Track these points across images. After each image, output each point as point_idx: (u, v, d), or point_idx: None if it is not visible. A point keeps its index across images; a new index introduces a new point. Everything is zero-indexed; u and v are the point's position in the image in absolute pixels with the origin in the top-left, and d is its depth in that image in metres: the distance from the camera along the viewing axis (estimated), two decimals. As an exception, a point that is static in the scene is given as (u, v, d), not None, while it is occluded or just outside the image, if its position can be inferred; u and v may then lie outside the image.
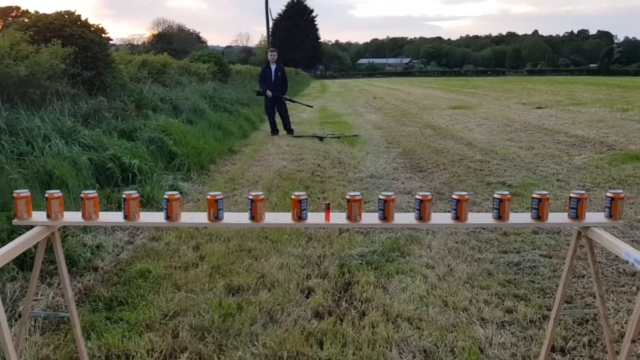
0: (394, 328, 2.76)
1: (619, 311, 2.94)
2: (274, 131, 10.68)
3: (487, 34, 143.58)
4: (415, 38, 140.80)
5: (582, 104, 16.69)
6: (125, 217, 2.06)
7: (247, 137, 10.43)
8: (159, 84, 10.09)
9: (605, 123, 11.56)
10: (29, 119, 5.09)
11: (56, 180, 4.37)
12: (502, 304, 3.03)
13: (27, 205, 2.05)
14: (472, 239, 4.12)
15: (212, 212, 2.01)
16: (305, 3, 66.54)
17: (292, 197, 2.03)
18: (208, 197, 2.03)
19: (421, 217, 2.00)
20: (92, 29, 7.32)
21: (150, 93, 8.73)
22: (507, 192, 2.07)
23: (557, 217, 2.11)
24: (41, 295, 3.05)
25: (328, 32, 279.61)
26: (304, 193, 2.06)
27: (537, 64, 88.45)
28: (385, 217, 2.01)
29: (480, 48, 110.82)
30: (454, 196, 2.03)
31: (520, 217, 2.21)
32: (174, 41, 36.05)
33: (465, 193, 2.04)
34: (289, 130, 10.72)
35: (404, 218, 2.18)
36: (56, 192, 2.07)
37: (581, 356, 2.53)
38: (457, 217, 2.01)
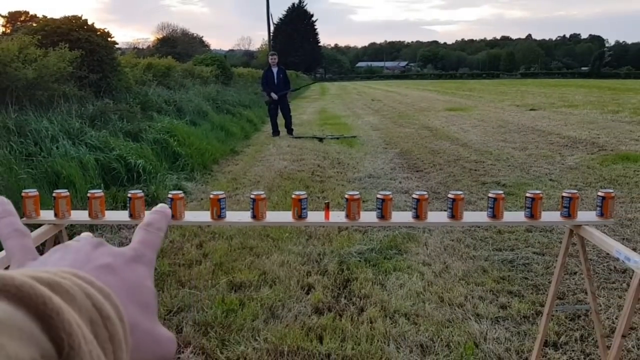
0: (391, 323, 2.82)
1: (610, 307, 3.00)
2: (275, 132, 10.73)
3: (482, 38, 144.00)
4: (412, 42, 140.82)
5: (574, 106, 16.73)
6: (131, 215, 2.08)
7: (248, 138, 10.47)
8: (164, 86, 10.14)
9: (597, 124, 11.61)
10: (37, 121, 5.13)
11: (63, 180, 4.42)
12: (497, 300, 3.09)
13: (35, 205, 2.07)
14: (467, 237, 4.17)
15: (215, 210, 2.04)
16: (305, 8, 66.55)
17: (293, 196, 2.06)
18: (211, 196, 2.06)
19: (418, 216, 2.04)
20: (99, 33, 7.38)
21: (155, 95, 8.78)
22: (501, 192, 2.10)
23: (550, 216, 2.14)
24: (49, 292, 3.10)
25: (328, 36, 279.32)
26: (304, 192, 2.10)
27: (531, 67, 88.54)
28: (383, 215, 2.05)
29: (475, 52, 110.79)
30: (449, 195, 2.07)
31: (514, 216, 2.25)
32: (178, 45, 36.09)
33: (460, 192, 2.08)
34: (289, 131, 10.80)
35: (401, 217, 2.22)
36: (63, 192, 2.10)
37: (573, 351, 2.58)
38: (453, 216, 2.05)
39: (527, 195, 2.07)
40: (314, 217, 2.14)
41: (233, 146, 8.91)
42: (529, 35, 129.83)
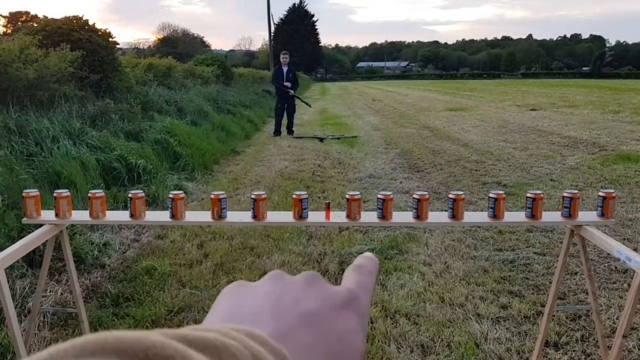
0: (392, 323, 2.82)
1: (611, 307, 3.00)
2: (277, 132, 10.75)
3: (483, 38, 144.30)
4: (412, 42, 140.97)
5: (575, 106, 16.72)
6: (132, 215, 2.09)
7: (249, 139, 10.48)
8: (164, 86, 10.15)
9: (598, 124, 11.61)
10: (38, 121, 5.14)
11: (64, 180, 4.42)
12: (497, 300, 3.09)
13: (36, 205, 2.09)
14: (468, 237, 4.17)
15: (215, 211, 2.05)
16: (306, 8, 66.59)
17: (294, 196, 2.07)
18: (212, 196, 2.07)
19: (419, 216, 2.05)
20: (100, 33, 7.39)
21: (155, 95, 8.79)
22: (502, 192, 2.11)
23: (551, 216, 2.15)
24: (50, 292, 3.10)
25: (328, 36, 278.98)
26: (305, 192, 2.11)
27: (531, 67, 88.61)
28: (383, 215, 2.05)
29: (476, 52, 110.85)
30: (450, 196, 2.07)
31: (514, 216, 2.25)
32: (179, 45, 36.18)
33: (461, 192, 2.09)
34: (290, 131, 10.82)
35: (402, 217, 2.23)
36: (64, 192, 2.11)
37: (574, 351, 2.59)
38: (454, 216, 2.05)
39: (528, 195, 2.08)
40: (315, 217, 2.15)
41: (234, 146, 8.91)
42: (530, 35, 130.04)
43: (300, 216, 2.05)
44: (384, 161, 7.66)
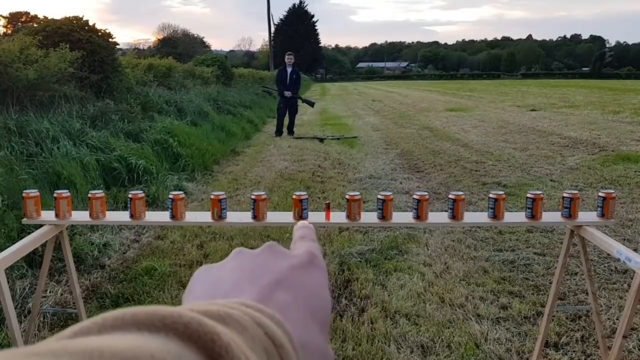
0: (392, 324, 2.82)
1: (611, 307, 3.00)
2: (279, 132, 10.76)
3: (483, 38, 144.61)
4: (412, 42, 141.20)
5: (575, 107, 16.73)
6: (132, 216, 2.09)
7: (249, 139, 10.48)
8: (164, 87, 10.15)
9: (598, 125, 11.61)
10: (38, 121, 5.14)
11: (64, 180, 4.42)
12: (497, 301, 3.09)
13: (36, 205, 2.08)
14: (468, 237, 4.17)
15: (215, 211, 2.04)
16: (306, 8, 66.64)
17: (294, 196, 2.07)
18: (212, 196, 2.07)
19: (419, 216, 2.05)
20: (100, 33, 7.39)
21: (155, 96, 8.79)
22: (502, 192, 2.11)
23: (551, 216, 2.15)
24: (50, 292, 3.10)
25: (328, 37, 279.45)
26: (305, 193, 2.11)
27: (531, 67, 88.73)
28: (383, 216, 2.06)
29: (476, 52, 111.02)
30: (450, 196, 2.07)
31: (514, 216, 2.26)
32: (179, 45, 36.23)
33: (461, 193, 2.09)
34: (291, 131, 10.84)
35: (402, 217, 2.23)
36: (64, 192, 2.10)
37: (574, 351, 2.58)
38: (454, 217, 2.05)
39: (528, 195, 2.08)
40: (315, 217, 2.15)
41: (234, 147, 8.91)
42: (530, 36, 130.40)
43: (300, 216, 2.05)
44: (384, 161, 7.66)
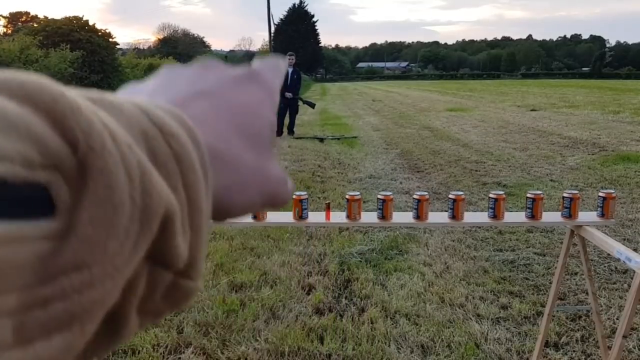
0: (392, 324, 2.83)
1: (611, 307, 3.01)
2: (279, 132, 10.77)
3: (483, 38, 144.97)
4: (413, 42, 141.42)
5: (575, 107, 16.75)
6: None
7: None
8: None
9: (598, 125, 11.62)
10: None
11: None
12: (497, 301, 3.10)
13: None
14: (468, 237, 4.18)
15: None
16: (306, 8, 66.70)
17: (293, 196, 2.06)
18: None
19: (419, 216, 2.05)
20: (100, 33, 7.42)
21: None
22: (502, 192, 2.11)
23: (551, 216, 2.15)
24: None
25: (328, 37, 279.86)
26: (305, 193, 2.11)
27: (532, 67, 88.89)
28: (384, 216, 2.06)
29: (476, 52, 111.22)
30: (450, 196, 2.07)
31: (514, 216, 2.26)
32: (179, 45, 36.31)
33: (461, 193, 2.09)
34: (291, 131, 10.85)
35: (402, 217, 2.23)
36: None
37: (574, 351, 2.59)
38: (454, 216, 2.05)
39: (528, 195, 2.08)
40: (315, 217, 2.15)
41: (234, 146, 8.92)
42: (530, 36, 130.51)
43: (300, 216, 2.06)
44: (384, 161, 7.67)
